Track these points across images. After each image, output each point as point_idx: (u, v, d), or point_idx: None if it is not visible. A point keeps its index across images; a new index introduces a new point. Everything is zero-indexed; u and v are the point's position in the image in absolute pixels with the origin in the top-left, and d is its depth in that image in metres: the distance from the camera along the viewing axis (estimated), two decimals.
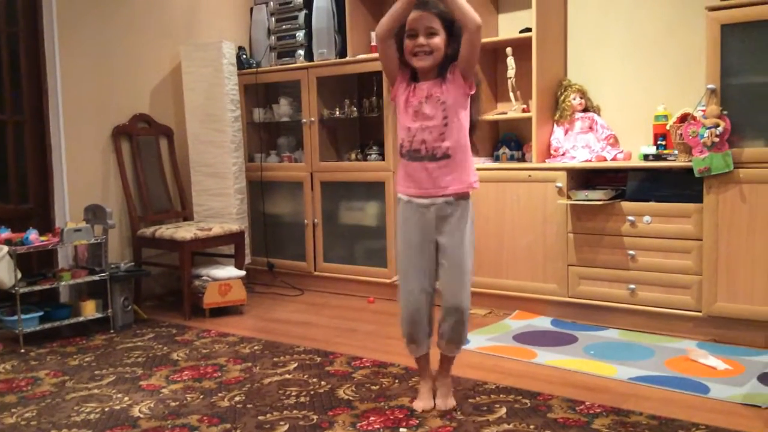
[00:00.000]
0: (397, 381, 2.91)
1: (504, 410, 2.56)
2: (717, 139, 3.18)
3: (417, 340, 2.56)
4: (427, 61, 2.39)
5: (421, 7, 2.37)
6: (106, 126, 4.45)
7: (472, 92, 2.45)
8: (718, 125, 3.18)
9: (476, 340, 3.43)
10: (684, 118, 3.41)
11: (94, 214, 3.99)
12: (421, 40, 2.37)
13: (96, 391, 2.93)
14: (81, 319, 3.80)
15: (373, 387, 2.85)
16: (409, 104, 2.45)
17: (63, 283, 3.77)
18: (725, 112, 3.20)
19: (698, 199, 3.32)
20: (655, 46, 3.86)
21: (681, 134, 3.36)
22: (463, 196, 2.48)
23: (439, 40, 2.37)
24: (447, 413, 2.54)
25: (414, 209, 2.48)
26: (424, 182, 2.45)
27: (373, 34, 4.61)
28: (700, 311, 3.35)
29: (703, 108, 3.28)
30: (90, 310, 3.84)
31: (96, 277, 3.84)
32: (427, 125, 2.41)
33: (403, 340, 2.60)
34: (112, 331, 3.85)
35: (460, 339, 2.54)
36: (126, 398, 2.83)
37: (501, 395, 2.70)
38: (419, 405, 2.59)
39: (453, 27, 2.37)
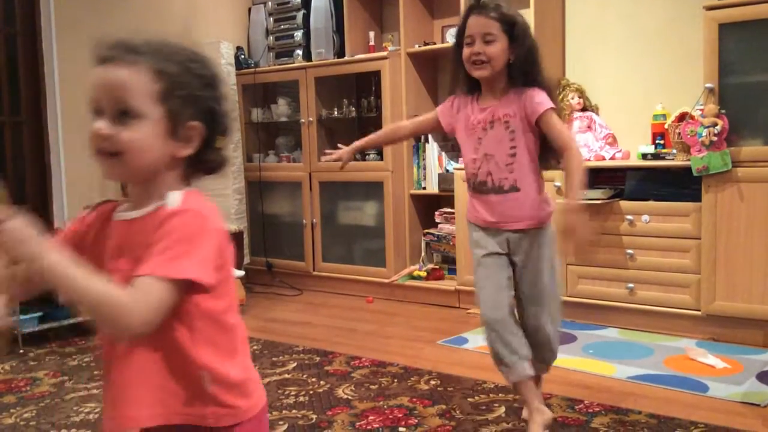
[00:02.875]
0: (396, 380, 2.91)
1: (503, 409, 2.56)
2: (715, 138, 3.19)
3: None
4: (485, 71, 2.16)
5: (479, 12, 2.18)
6: None
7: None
8: (716, 124, 3.19)
9: (475, 340, 3.43)
10: (682, 117, 3.42)
11: None
12: (478, 47, 2.15)
13: (95, 391, 2.93)
14: (80, 319, 3.80)
15: (372, 386, 2.85)
16: (471, 129, 2.25)
17: None
18: (723, 111, 3.21)
19: (697, 198, 3.32)
20: (653, 45, 3.86)
21: (679, 133, 3.36)
22: (537, 227, 2.28)
23: (498, 48, 2.14)
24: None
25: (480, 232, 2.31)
26: (499, 215, 2.25)
27: (371, 34, 4.62)
28: (699, 310, 3.35)
29: (701, 107, 3.28)
30: None
31: None
32: (491, 154, 2.21)
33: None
34: None
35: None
36: None
37: (500, 394, 2.70)
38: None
39: (514, 31, 2.16)
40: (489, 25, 2.14)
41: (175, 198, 1.12)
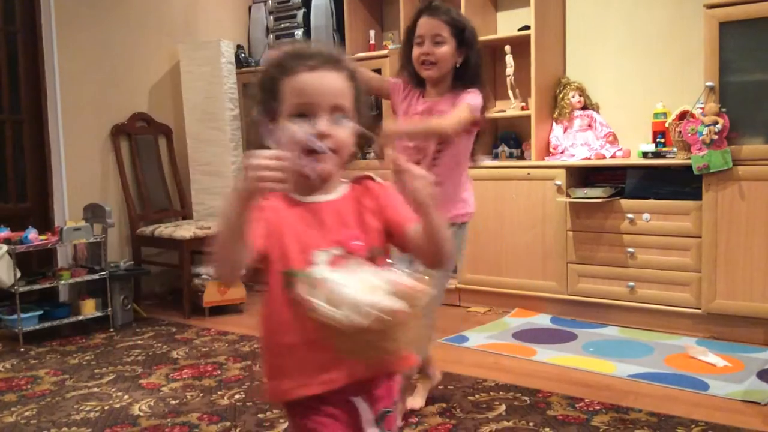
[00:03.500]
0: None
1: (503, 407, 2.56)
2: (716, 137, 3.19)
3: None
4: (432, 71, 2.24)
5: (430, 13, 2.24)
6: (104, 125, 4.45)
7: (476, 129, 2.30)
8: (716, 123, 3.19)
9: (475, 338, 3.43)
10: (683, 116, 3.41)
11: (94, 212, 3.99)
12: (427, 48, 2.23)
13: (96, 389, 2.93)
14: (80, 317, 3.80)
15: None
16: (410, 119, 2.32)
17: (62, 282, 3.77)
18: (724, 110, 3.21)
19: (697, 196, 3.32)
20: (653, 43, 3.86)
21: (680, 132, 3.36)
22: (457, 225, 2.34)
23: (446, 50, 2.22)
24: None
25: None
26: None
27: (372, 33, 4.62)
28: (700, 308, 3.35)
29: (702, 105, 3.28)
30: (89, 308, 3.84)
31: (95, 276, 3.84)
32: (422, 147, 2.28)
33: None
34: (111, 329, 3.85)
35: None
36: (126, 396, 2.83)
37: (500, 393, 2.70)
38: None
39: (464, 35, 2.23)
40: (439, 27, 2.21)
41: (369, 176, 1.32)
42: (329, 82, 1.22)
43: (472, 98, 2.23)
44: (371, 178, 1.31)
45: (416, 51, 2.25)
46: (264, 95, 1.27)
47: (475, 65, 2.26)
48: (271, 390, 1.26)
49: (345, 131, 1.22)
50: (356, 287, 1.08)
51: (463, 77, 2.26)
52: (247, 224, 1.11)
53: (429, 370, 2.60)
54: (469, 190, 2.43)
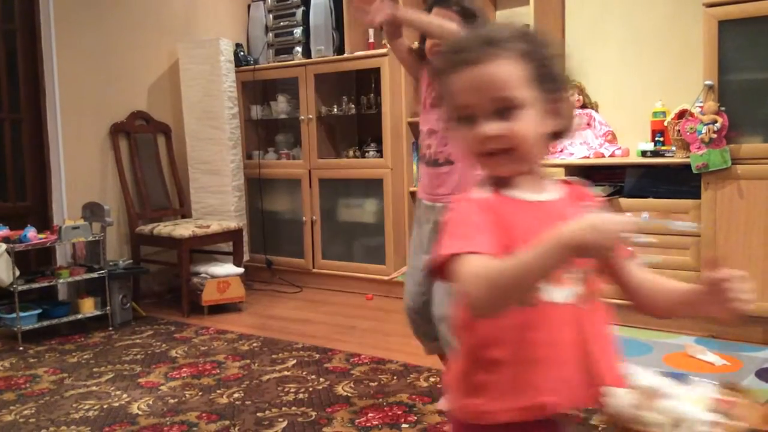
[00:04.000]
0: (395, 377, 2.91)
1: None
2: (715, 136, 3.19)
3: (419, 339, 2.56)
4: None
5: (441, 4, 2.32)
6: (103, 123, 4.44)
7: None
8: (715, 121, 3.19)
9: None
10: (682, 115, 3.41)
11: (92, 211, 3.99)
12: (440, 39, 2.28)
13: (95, 388, 2.93)
14: (79, 316, 3.80)
15: (372, 383, 2.86)
16: (428, 105, 2.43)
17: (61, 280, 3.77)
18: (723, 109, 3.21)
19: (696, 195, 3.32)
20: (652, 42, 3.86)
21: (679, 130, 3.36)
22: None
23: None
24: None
25: (421, 209, 2.48)
26: (427, 186, 2.43)
27: (371, 31, 4.61)
28: None
29: (701, 104, 3.28)
30: (88, 307, 3.84)
31: (94, 275, 3.84)
32: (433, 129, 2.37)
33: None
34: (110, 328, 3.85)
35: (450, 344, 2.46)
36: (125, 395, 2.83)
37: None
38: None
39: (476, 23, 2.27)
40: (451, 17, 2.27)
41: (568, 181, 1.17)
42: (487, 77, 1.05)
43: None
44: (581, 183, 1.16)
45: (429, 43, 2.35)
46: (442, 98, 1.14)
47: None
48: (465, 408, 1.10)
49: (522, 124, 1.05)
50: (688, 401, 0.98)
51: None
52: (554, 270, 0.99)
53: None
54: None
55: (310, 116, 4.67)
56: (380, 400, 2.67)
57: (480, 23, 2.29)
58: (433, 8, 2.34)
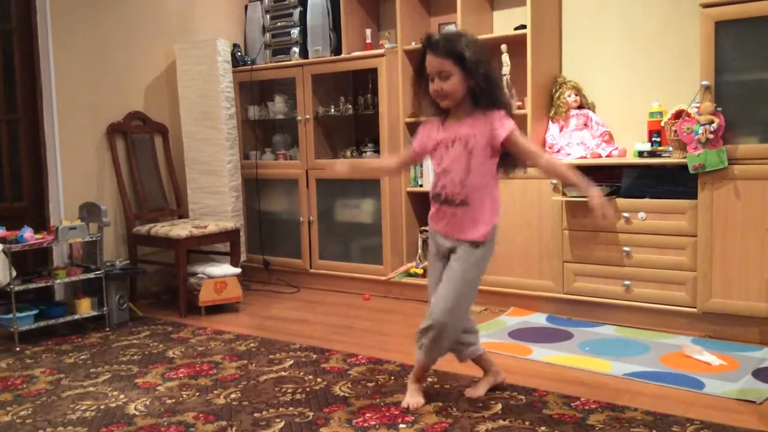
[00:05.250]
0: (392, 378, 2.91)
1: (499, 406, 2.56)
2: (711, 136, 3.19)
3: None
4: (446, 102, 2.43)
5: (431, 51, 2.40)
6: (100, 124, 4.44)
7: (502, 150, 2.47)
8: (712, 122, 3.19)
9: None
10: (678, 115, 3.42)
11: (89, 211, 3.99)
12: (436, 85, 2.41)
13: (92, 388, 2.92)
14: (76, 317, 3.80)
15: (369, 384, 2.85)
16: (436, 147, 2.51)
17: (58, 281, 3.77)
18: (719, 109, 3.21)
19: (693, 195, 3.33)
20: (649, 42, 3.87)
21: (676, 131, 3.37)
22: (476, 243, 2.49)
23: (453, 82, 2.38)
24: (442, 409, 2.55)
25: (442, 243, 2.56)
26: (446, 225, 2.52)
27: (368, 32, 4.62)
28: (695, 307, 3.36)
29: (698, 105, 3.29)
30: (85, 307, 3.84)
31: (91, 275, 3.83)
32: (449, 169, 2.46)
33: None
34: (107, 328, 3.85)
35: (429, 349, 2.54)
36: (122, 396, 2.83)
37: (496, 391, 2.71)
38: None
39: (465, 63, 2.36)
40: (442, 64, 2.38)
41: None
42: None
43: (502, 121, 2.42)
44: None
45: (430, 87, 2.44)
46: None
47: (485, 86, 2.39)
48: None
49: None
50: None
51: (480, 97, 2.41)
52: None
53: (493, 368, 2.73)
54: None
55: (308, 116, 4.67)
56: (377, 400, 2.67)
57: (470, 64, 2.40)
58: (426, 54, 2.43)
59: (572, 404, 2.56)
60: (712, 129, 3.19)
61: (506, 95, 2.54)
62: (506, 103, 2.46)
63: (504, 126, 2.40)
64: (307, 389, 2.82)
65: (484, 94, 2.40)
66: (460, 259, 2.48)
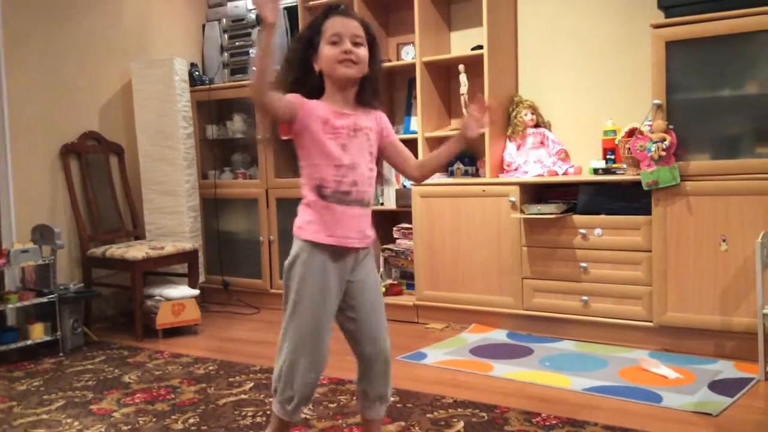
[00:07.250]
0: (354, 398, 2.89)
1: (461, 424, 2.56)
2: (664, 153, 3.27)
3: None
4: (353, 69, 1.99)
5: (344, 14, 2.03)
6: (54, 144, 4.35)
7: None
8: (664, 139, 3.27)
9: (434, 355, 3.43)
10: (632, 133, 3.49)
11: (42, 234, 3.90)
12: (348, 46, 1.98)
13: (45, 416, 2.84)
14: (29, 342, 3.70)
15: (331, 405, 2.83)
16: (336, 132, 2.01)
17: (10, 305, 3.67)
18: (671, 127, 3.29)
19: (647, 211, 3.39)
20: (602, 62, 3.95)
21: (629, 148, 3.44)
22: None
23: (365, 52, 2.01)
24: None
25: (334, 255, 2.05)
26: (349, 229, 2.03)
27: None
28: (651, 321, 3.41)
29: (650, 123, 3.36)
30: (38, 333, 3.74)
31: (44, 299, 3.74)
32: (357, 163, 2.03)
33: (290, 408, 2.21)
34: (61, 354, 3.75)
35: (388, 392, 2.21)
36: (76, 423, 2.75)
37: (458, 409, 2.71)
38: None
39: (374, 46, 2.06)
40: (358, 28, 2.02)
41: None
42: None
43: (390, 127, 2.15)
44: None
45: (335, 50, 1.98)
46: None
47: (376, 80, 2.09)
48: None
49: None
50: None
51: (365, 92, 2.07)
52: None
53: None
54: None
55: (267, 135, 4.64)
56: (339, 421, 2.65)
57: (378, 48, 2.11)
58: (332, 16, 2.03)
59: (533, 420, 2.58)
60: (664, 146, 3.26)
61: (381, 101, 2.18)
62: (383, 107, 2.16)
63: (391, 128, 2.15)
64: (268, 412, 2.78)
65: (374, 89, 2.08)
66: (372, 271, 2.13)
